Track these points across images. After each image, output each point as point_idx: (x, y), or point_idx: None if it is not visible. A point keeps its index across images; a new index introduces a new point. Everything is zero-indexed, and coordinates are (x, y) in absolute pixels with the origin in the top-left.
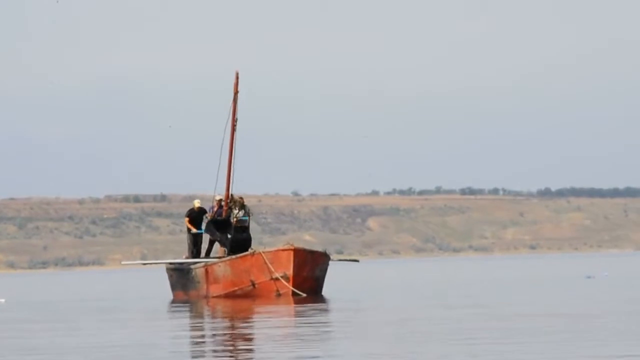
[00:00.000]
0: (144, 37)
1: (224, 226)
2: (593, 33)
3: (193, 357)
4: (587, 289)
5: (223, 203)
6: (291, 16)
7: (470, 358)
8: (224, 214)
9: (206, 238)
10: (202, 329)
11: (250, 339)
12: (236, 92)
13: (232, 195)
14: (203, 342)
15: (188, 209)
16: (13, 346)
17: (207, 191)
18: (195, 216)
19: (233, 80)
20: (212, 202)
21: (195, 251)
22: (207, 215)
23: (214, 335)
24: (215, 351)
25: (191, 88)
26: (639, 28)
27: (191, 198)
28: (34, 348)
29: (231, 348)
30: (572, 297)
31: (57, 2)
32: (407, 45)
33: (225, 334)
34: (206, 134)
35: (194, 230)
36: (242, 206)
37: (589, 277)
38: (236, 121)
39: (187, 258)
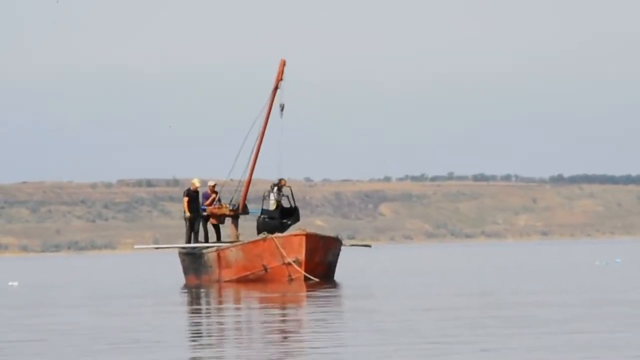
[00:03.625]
0: (159, 26)
1: (291, 213)
2: (607, 15)
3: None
4: (600, 276)
5: (217, 189)
6: (302, 5)
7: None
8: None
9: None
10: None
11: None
12: (280, 80)
13: (280, 180)
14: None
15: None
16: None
17: (220, 176)
18: (195, 197)
19: (278, 68)
20: (206, 187)
21: (193, 235)
22: (205, 203)
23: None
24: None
25: (203, 75)
26: None
27: (204, 183)
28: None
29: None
30: (585, 284)
31: (57, 2)
32: (418, 32)
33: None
34: (218, 120)
35: (188, 214)
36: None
37: (601, 264)
38: (283, 107)
39: (186, 242)
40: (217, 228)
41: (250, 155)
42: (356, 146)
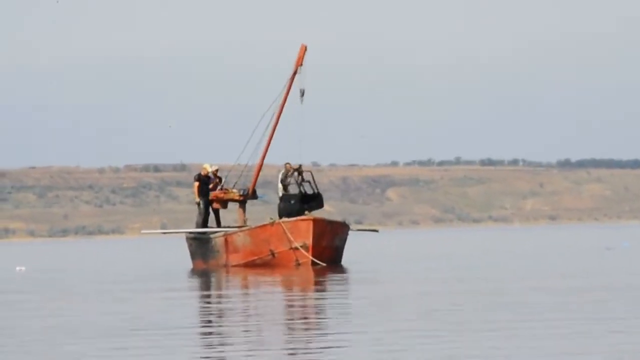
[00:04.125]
0: (167, 7)
1: (314, 198)
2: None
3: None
4: (607, 260)
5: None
6: None
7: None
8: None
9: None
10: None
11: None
12: (300, 65)
13: (300, 165)
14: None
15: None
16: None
17: (227, 161)
18: (206, 182)
19: (298, 53)
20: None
21: (205, 220)
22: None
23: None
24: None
25: (209, 60)
26: None
27: (211, 171)
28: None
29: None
30: (592, 269)
31: (57, 2)
32: (424, 16)
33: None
34: (226, 105)
35: (197, 199)
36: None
37: (608, 249)
38: (303, 93)
39: (197, 227)
40: (217, 213)
41: (260, 140)
42: (363, 131)
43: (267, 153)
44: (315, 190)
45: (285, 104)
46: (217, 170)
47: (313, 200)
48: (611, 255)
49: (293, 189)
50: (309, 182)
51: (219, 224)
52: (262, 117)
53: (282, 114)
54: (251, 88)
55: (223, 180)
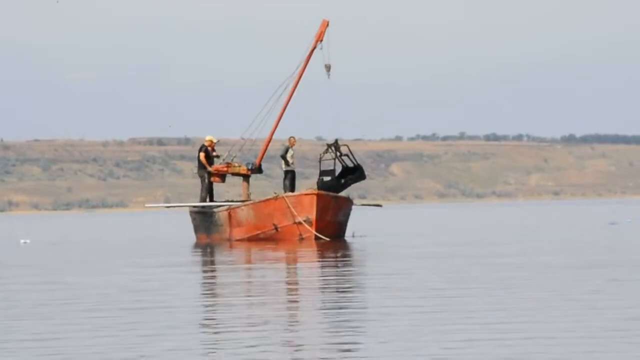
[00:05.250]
0: None
1: (352, 171)
2: None
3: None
4: (612, 236)
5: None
6: None
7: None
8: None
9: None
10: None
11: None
12: (320, 40)
13: (336, 140)
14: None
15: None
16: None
17: (231, 135)
18: (209, 154)
19: (319, 28)
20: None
21: (209, 194)
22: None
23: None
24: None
25: (214, 32)
26: None
27: (216, 142)
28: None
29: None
30: (598, 245)
31: (57, 2)
32: None
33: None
34: (231, 79)
35: (209, 168)
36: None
37: (613, 224)
38: (329, 68)
39: (201, 200)
40: (211, 186)
41: (266, 115)
42: (367, 106)
43: (267, 128)
44: (355, 163)
45: (300, 80)
46: (215, 143)
47: (352, 173)
48: (614, 230)
49: (327, 165)
50: (347, 155)
51: (212, 199)
52: (275, 92)
53: (297, 90)
54: (258, 62)
55: (225, 155)
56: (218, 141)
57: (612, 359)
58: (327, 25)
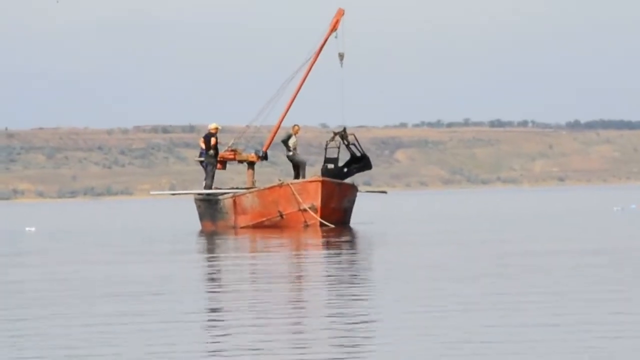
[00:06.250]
0: None
1: (357, 160)
2: None
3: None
4: (617, 222)
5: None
6: None
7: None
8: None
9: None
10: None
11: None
12: (335, 29)
13: (344, 129)
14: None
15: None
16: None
17: (236, 123)
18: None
19: (334, 17)
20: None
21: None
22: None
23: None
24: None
25: (218, 24)
26: None
27: (222, 130)
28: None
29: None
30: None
31: (57, 2)
32: None
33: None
34: (236, 68)
35: (212, 151)
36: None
37: (618, 210)
38: (342, 57)
39: (206, 187)
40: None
41: (274, 103)
42: (372, 92)
43: (274, 116)
44: (361, 152)
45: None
46: (218, 130)
47: (356, 163)
48: (619, 216)
49: (332, 153)
50: (354, 144)
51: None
52: (286, 80)
53: (308, 78)
54: (263, 52)
55: (231, 142)
56: (221, 128)
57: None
58: (342, 14)
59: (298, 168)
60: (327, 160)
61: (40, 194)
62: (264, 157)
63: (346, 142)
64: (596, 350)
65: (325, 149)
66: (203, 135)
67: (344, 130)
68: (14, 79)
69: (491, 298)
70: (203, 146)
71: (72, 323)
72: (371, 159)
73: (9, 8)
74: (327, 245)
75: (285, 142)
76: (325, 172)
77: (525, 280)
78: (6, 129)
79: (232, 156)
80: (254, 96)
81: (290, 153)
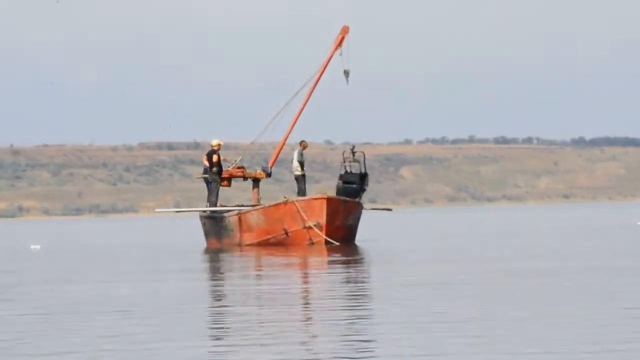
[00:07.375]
0: None
1: (361, 178)
2: None
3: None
4: (621, 240)
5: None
6: None
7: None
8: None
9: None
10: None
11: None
12: (340, 46)
13: (353, 146)
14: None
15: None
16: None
17: (241, 139)
18: (215, 158)
19: (339, 34)
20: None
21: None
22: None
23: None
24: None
25: (223, 40)
26: None
27: (225, 146)
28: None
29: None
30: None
31: (57, 2)
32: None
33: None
34: (240, 83)
35: (214, 168)
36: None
37: (622, 228)
38: (348, 74)
39: (210, 205)
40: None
41: (277, 120)
42: (376, 109)
43: (275, 132)
44: (363, 170)
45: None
46: (221, 147)
47: (354, 181)
48: (623, 234)
49: (295, 169)
50: (358, 162)
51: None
52: (291, 97)
53: (313, 95)
54: (268, 68)
55: (237, 159)
56: (224, 144)
57: None
58: (347, 31)
59: (298, 182)
60: (345, 177)
61: (46, 212)
62: (269, 174)
63: (352, 158)
64: None
65: (342, 166)
66: (206, 152)
67: (354, 147)
68: (18, 95)
69: (497, 315)
70: (207, 163)
71: (75, 341)
72: (376, 176)
73: (10, 24)
74: (332, 263)
75: (302, 163)
76: (342, 189)
77: (527, 296)
78: (11, 145)
79: (240, 173)
80: (258, 113)
81: (303, 172)
